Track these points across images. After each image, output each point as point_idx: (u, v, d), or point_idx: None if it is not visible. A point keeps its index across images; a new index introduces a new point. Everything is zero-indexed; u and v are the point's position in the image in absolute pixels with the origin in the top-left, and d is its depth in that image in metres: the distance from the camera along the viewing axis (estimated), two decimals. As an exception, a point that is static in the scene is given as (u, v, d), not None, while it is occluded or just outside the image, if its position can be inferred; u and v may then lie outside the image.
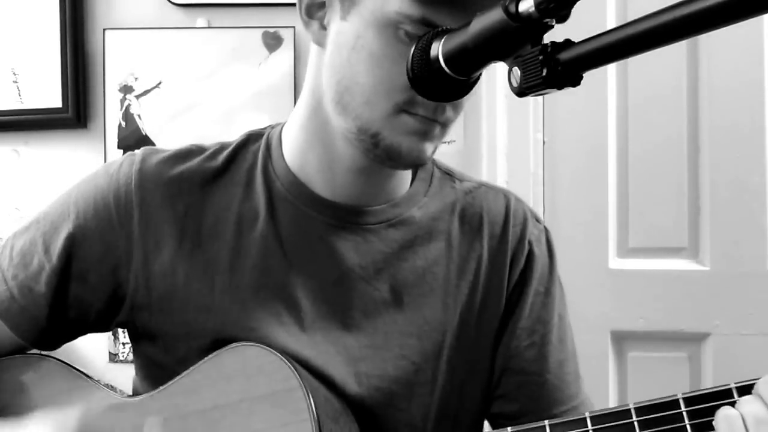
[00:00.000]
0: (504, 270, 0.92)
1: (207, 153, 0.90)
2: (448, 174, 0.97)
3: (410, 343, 0.87)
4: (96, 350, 1.78)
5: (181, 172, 0.88)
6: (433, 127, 0.79)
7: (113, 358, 1.80)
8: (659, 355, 1.79)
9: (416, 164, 0.83)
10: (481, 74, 0.71)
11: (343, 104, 0.80)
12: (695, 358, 1.78)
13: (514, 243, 0.93)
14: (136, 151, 0.90)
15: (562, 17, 0.55)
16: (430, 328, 0.88)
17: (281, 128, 0.92)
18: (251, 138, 0.92)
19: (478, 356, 0.91)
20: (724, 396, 0.70)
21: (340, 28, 0.79)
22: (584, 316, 1.78)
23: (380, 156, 0.80)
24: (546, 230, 0.97)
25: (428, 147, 0.80)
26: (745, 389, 0.69)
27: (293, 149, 0.88)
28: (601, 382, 1.79)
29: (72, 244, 0.86)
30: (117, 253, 0.86)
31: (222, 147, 0.91)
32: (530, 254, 0.93)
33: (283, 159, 0.89)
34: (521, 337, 0.92)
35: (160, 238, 0.86)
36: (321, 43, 0.82)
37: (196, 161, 0.89)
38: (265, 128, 0.94)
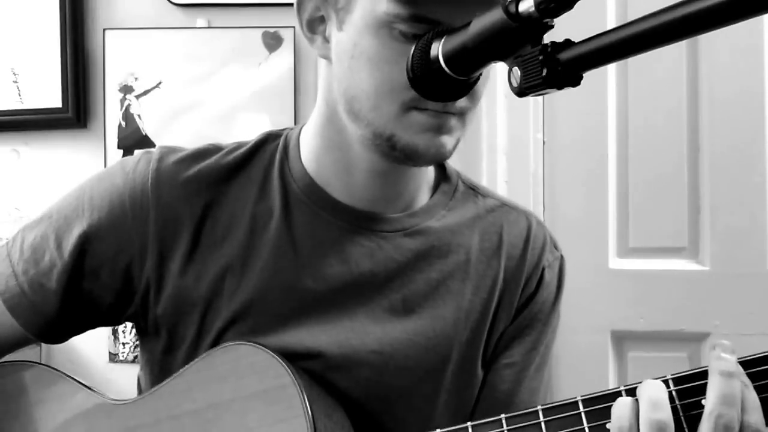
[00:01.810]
0: (517, 292, 0.92)
1: (224, 151, 0.90)
2: (472, 189, 0.96)
3: (416, 355, 0.87)
4: (96, 350, 1.78)
5: (198, 171, 0.87)
6: (446, 119, 0.78)
7: (113, 358, 1.80)
8: (659, 355, 1.79)
9: (438, 160, 0.81)
10: (481, 74, 0.71)
11: (354, 112, 0.80)
12: (695, 358, 1.78)
13: (531, 267, 0.93)
14: (153, 149, 0.90)
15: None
16: (438, 341, 0.88)
17: (300, 130, 0.92)
18: (269, 137, 0.92)
19: (480, 375, 0.91)
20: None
21: (339, 38, 0.80)
22: (584, 316, 1.79)
23: (399, 157, 0.80)
24: (561, 258, 0.97)
25: (447, 140, 0.79)
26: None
27: (310, 153, 0.88)
28: (601, 382, 1.79)
29: (85, 242, 0.86)
30: (131, 251, 0.86)
31: (239, 145, 0.91)
32: (541, 280, 0.93)
33: (300, 161, 0.89)
34: (504, 354, 0.92)
35: (174, 238, 0.85)
36: (326, 56, 0.82)
37: (212, 159, 0.89)
38: (283, 129, 0.94)
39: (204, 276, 0.86)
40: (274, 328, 0.85)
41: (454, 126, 0.79)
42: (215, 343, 0.85)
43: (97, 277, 0.86)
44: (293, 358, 0.82)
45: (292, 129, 0.93)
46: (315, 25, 0.82)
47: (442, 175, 0.95)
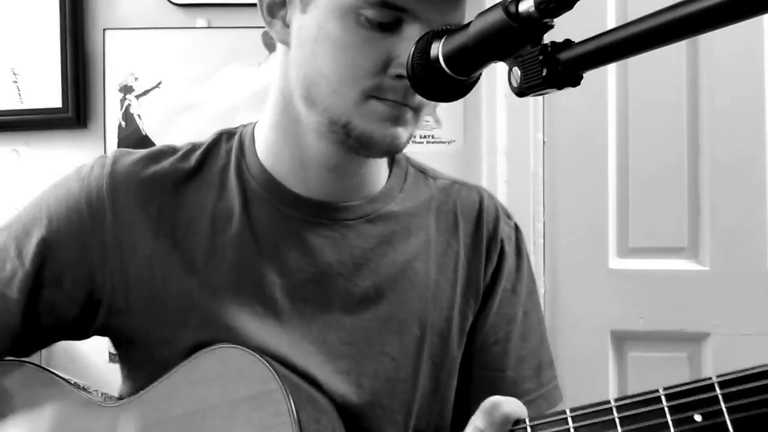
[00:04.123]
0: (480, 267, 0.92)
1: (179, 154, 0.90)
2: (422, 172, 0.97)
3: (391, 340, 0.87)
4: (96, 350, 1.78)
5: (154, 172, 0.87)
6: (404, 111, 0.78)
7: (113, 358, 1.80)
8: (659, 355, 1.79)
9: (391, 151, 0.81)
10: (480, 74, 0.71)
11: (311, 98, 0.80)
12: (695, 358, 1.78)
13: (488, 241, 0.93)
14: (108, 153, 0.90)
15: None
16: (409, 323, 0.88)
17: (253, 127, 0.91)
18: (223, 137, 0.92)
19: (456, 353, 0.92)
20: (705, 390, 0.69)
21: (302, 22, 0.79)
22: (584, 316, 1.79)
23: (353, 146, 0.80)
24: (516, 227, 0.97)
25: (401, 132, 0.79)
26: (727, 383, 0.68)
27: (266, 148, 0.88)
28: (601, 382, 1.79)
29: (45, 249, 0.85)
30: (91, 257, 0.85)
31: (194, 147, 0.91)
32: (501, 252, 0.94)
33: (257, 157, 0.88)
34: (488, 334, 0.92)
35: (134, 240, 0.85)
36: (285, 41, 0.82)
37: (168, 162, 0.88)
38: (237, 127, 0.94)
39: (169, 280, 0.85)
40: (250, 328, 0.84)
41: (409, 120, 0.79)
42: (193, 347, 0.83)
43: (59, 286, 0.85)
44: (271, 357, 0.82)
45: (245, 126, 0.93)
46: (275, 9, 0.82)
47: (390, 159, 0.95)
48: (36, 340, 0.89)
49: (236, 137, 0.91)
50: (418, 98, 0.77)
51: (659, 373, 1.78)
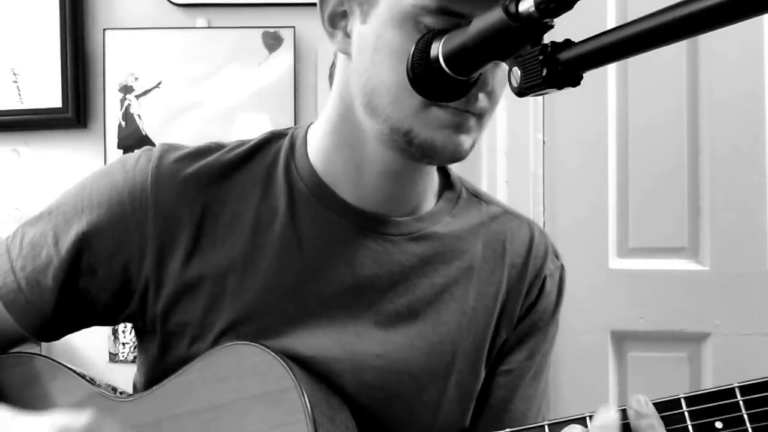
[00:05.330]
0: (519, 300, 0.92)
1: (225, 149, 0.89)
2: (476, 196, 0.96)
3: (419, 360, 0.86)
4: (96, 350, 1.78)
5: (199, 168, 0.86)
6: (466, 118, 0.77)
7: (113, 358, 1.80)
8: (659, 355, 1.79)
9: (454, 159, 0.80)
10: (480, 74, 0.71)
11: (372, 107, 0.79)
12: (695, 358, 1.78)
13: (532, 276, 0.93)
14: (154, 147, 0.89)
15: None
16: (441, 347, 0.87)
17: (306, 129, 0.91)
18: (273, 137, 0.91)
19: (480, 382, 0.91)
20: (726, 396, 0.69)
21: (361, 31, 0.79)
22: (584, 316, 1.78)
23: (416, 154, 0.79)
24: (562, 268, 0.97)
25: (465, 140, 0.78)
26: (748, 389, 0.68)
27: (319, 152, 0.87)
28: (601, 382, 1.79)
29: (83, 240, 0.85)
30: (129, 250, 0.85)
31: (242, 143, 0.90)
32: (542, 289, 0.93)
33: (308, 160, 0.88)
34: (503, 361, 0.93)
35: (174, 236, 0.85)
36: (346, 51, 0.82)
37: (213, 157, 0.88)
38: (288, 129, 0.93)
39: (206, 276, 0.85)
40: (277, 330, 0.84)
41: (472, 126, 0.79)
42: (215, 344, 0.84)
43: (93, 275, 0.86)
44: (296, 360, 0.82)
45: (297, 128, 0.92)
46: (336, 20, 0.82)
47: (446, 181, 0.95)
48: (65, 325, 0.89)
49: (287, 138, 0.91)
50: (481, 104, 0.77)
51: (659, 373, 1.78)
